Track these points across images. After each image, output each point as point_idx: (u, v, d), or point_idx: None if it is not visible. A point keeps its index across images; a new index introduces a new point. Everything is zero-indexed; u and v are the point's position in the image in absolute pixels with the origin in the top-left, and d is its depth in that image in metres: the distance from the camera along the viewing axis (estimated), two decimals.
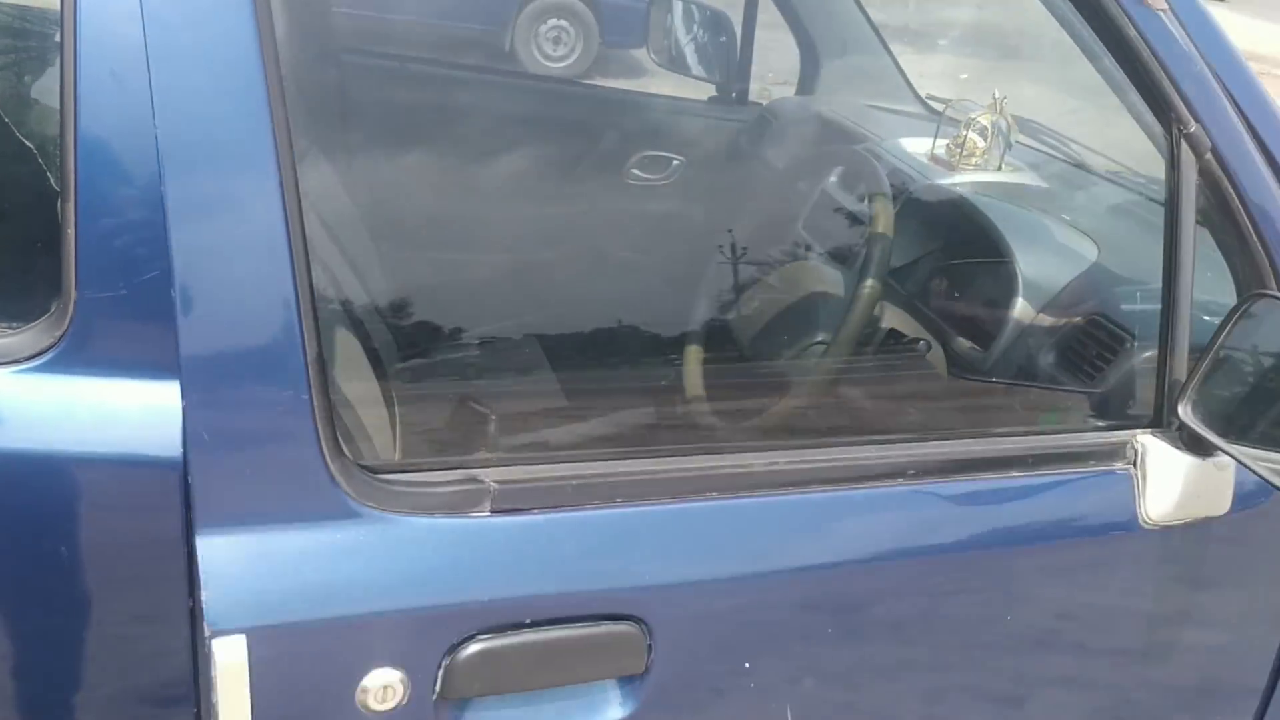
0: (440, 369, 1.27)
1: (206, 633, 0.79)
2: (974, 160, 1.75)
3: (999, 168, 1.75)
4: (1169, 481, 1.10)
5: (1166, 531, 1.12)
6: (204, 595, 0.80)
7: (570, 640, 0.91)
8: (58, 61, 0.76)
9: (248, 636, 0.80)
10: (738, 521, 0.98)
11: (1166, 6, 1.05)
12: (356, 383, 1.03)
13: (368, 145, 1.44)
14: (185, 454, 0.80)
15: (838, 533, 1.04)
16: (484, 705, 0.91)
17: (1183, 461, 1.09)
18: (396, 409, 1.04)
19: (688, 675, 0.97)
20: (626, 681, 0.95)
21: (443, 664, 0.87)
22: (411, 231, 1.38)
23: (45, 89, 0.83)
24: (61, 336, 0.80)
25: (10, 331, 0.82)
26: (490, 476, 0.89)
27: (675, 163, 1.86)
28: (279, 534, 0.83)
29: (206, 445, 0.80)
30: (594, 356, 1.32)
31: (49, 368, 0.81)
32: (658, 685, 0.96)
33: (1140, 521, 1.11)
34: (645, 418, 1.18)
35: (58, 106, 0.77)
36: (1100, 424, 1.25)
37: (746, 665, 0.99)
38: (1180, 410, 1.08)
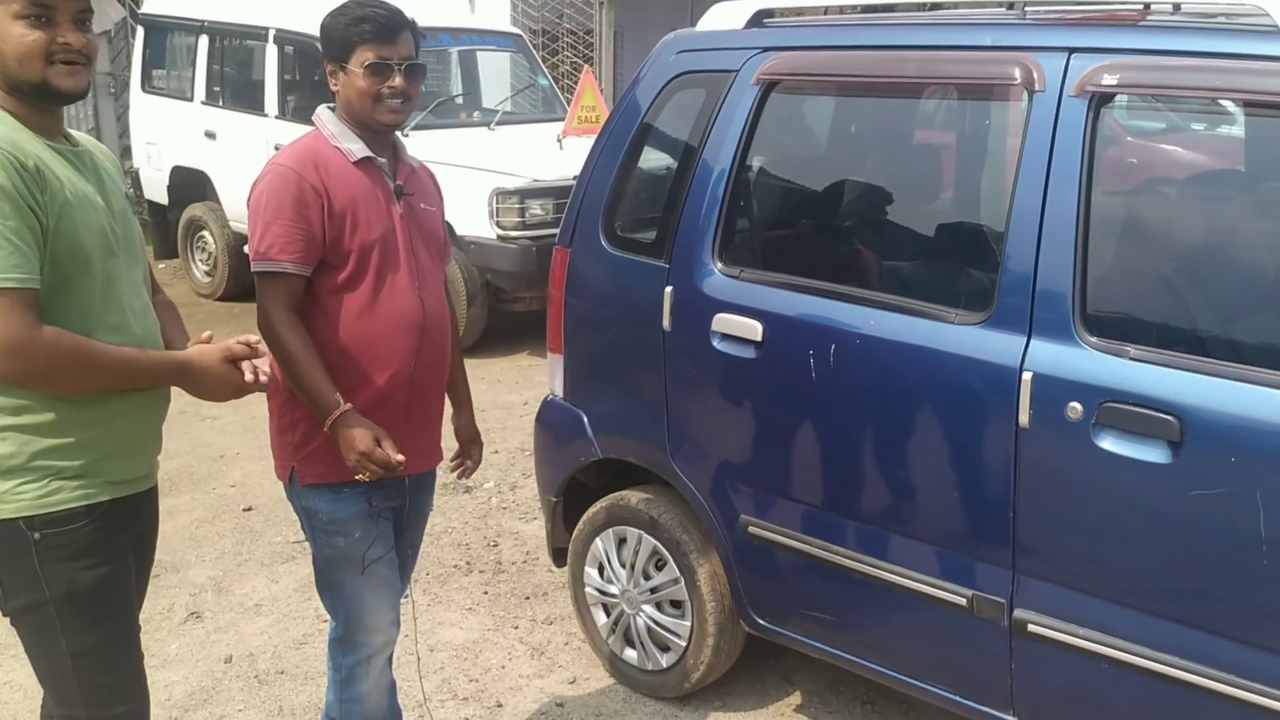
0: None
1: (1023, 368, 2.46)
2: None
3: None
4: None
5: None
6: (1026, 373, 2.45)
7: (1140, 415, 2.31)
8: (1008, 183, 2.50)
9: (1031, 374, 2.44)
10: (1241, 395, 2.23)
11: None
12: None
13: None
14: (1021, 363, 2.46)
15: None
16: (1097, 431, 2.36)
17: None
18: None
19: (1203, 452, 2.25)
20: (1172, 444, 2.29)
21: (1096, 411, 2.37)
22: None
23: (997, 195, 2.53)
24: (990, 314, 2.53)
25: (977, 315, 2.56)
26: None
27: None
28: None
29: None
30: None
31: (985, 325, 2.54)
32: (1186, 451, 2.27)
33: None
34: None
35: (1005, 205, 2.52)
36: None
37: (1231, 460, 2.22)
38: None
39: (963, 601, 2.66)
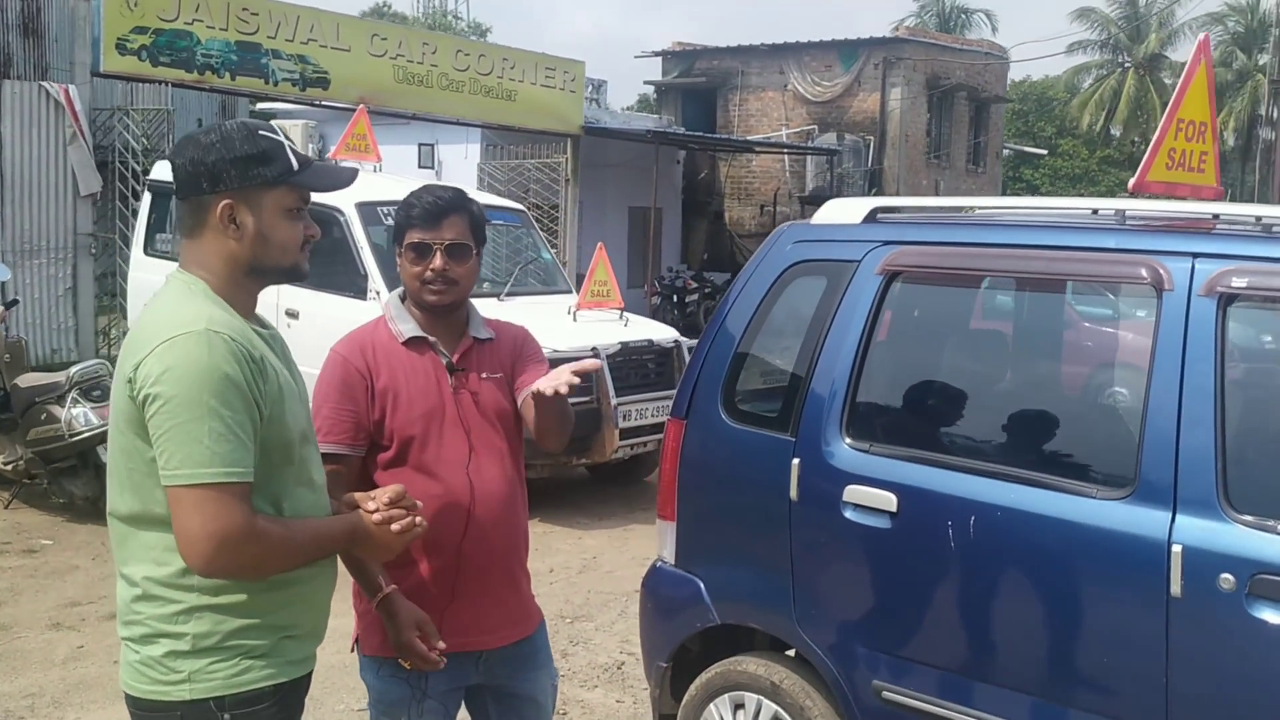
0: None
1: (1171, 541, 2.66)
2: None
3: None
4: None
5: None
6: (1176, 546, 2.67)
7: None
8: (1139, 369, 2.77)
9: (1182, 547, 2.65)
10: None
11: None
12: None
13: None
14: (1169, 536, 2.69)
15: None
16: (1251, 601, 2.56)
17: None
18: None
19: None
20: None
21: (1249, 583, 2.57)
22: None
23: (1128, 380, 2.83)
24: (1132, 490, 2.76)
25: (1119, 490, 2.79)
26: None
27: None
28: None
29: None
30: None
31: (1128, 501, 2.76)
32: None
33: None
34: None
35: (1139, 390, 2.77)
36: None
37: None
38: None
39: None
